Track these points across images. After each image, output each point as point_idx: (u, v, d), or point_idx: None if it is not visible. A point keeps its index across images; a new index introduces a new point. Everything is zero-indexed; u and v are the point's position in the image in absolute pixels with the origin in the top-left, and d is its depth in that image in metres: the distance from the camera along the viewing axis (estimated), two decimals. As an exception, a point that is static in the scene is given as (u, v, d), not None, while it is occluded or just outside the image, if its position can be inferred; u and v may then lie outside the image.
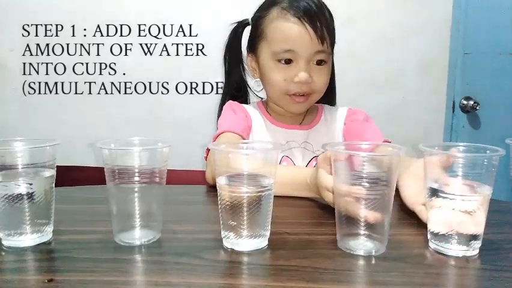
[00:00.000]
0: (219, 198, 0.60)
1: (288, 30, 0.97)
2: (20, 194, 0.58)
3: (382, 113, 1.77)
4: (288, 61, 0.98)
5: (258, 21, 1.04)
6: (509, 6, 1.66)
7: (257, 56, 1.06)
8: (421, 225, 0.65)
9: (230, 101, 1.12)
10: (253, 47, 1.07)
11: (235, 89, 1.16)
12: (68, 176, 1.01)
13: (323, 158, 0.71)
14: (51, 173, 0.61)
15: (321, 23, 0.95)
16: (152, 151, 0.62)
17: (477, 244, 0.58)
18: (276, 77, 1.01)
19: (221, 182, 0.59)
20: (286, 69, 0.99)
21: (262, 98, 1.18)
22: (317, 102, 1.13)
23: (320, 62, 0.99)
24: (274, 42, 1.00)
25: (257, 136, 1.07)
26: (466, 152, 0.60)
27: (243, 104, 1.13)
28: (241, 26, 1.12)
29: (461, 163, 0.56)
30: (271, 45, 1.00)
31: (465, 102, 1.73)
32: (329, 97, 1.16)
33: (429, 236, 0.60)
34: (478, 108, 1.70)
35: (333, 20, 1.02)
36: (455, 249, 0.57)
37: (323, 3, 1.01)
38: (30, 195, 0.58)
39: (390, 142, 0.98)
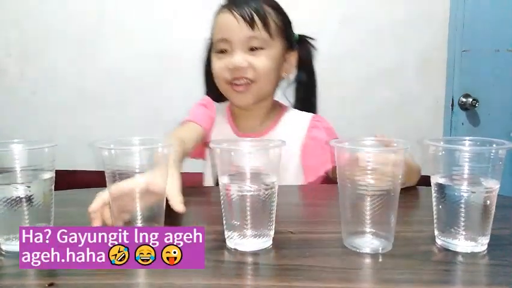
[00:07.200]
0: (221, 197, 0.59)
1: (220, 21, 1.02)
2: (19, 197, 0.57)
3: (381, 110, 1.77)
4: (225, 51, 1.01)
5: None
6: (507, 3, 1.66)
7: None
8: (428, 221, 0.64)
9: (206, 96, 1.16)
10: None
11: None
12: (68, 180, 1.00)
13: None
14: (50, 175, 0.60)
15: (251, 9, 0.98)
16: (152, 151, 0.60)
17: (485, 240, 0.57)
18: (215, 67, 1.03)
19: (224, 181, 0.58)
20: (222, 58, 1.01)
21: None
22: (297, 108, 1.12)
23: (254, 49, 0.99)
24: (213, 36, 1.04)
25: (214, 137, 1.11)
26: (472, 145, 0.59)
27: (218, 102, 1.15)
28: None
29: (467, 157, 0.55)
30: (213, 40, 1.05)
31: (464, 99, 1.73)
32: (308, 103, 1.14)
33: (436, 233, 0.60)
34: (477, 105, 1.70)
35: (278, 11, 1.03)
36: (462, 245, 0.56)
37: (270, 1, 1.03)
38: (28, 198, 0.57)
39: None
